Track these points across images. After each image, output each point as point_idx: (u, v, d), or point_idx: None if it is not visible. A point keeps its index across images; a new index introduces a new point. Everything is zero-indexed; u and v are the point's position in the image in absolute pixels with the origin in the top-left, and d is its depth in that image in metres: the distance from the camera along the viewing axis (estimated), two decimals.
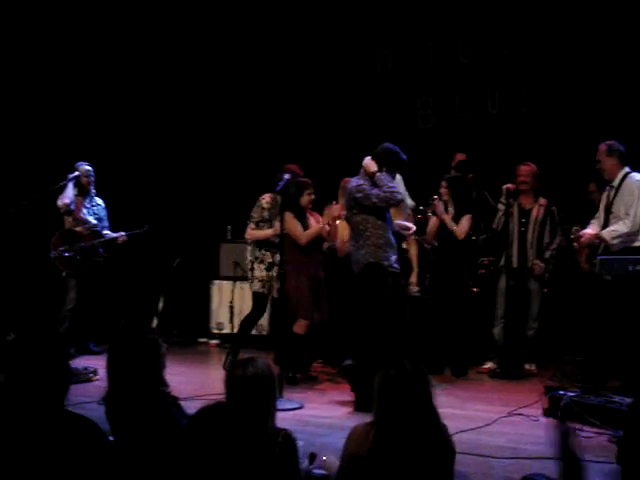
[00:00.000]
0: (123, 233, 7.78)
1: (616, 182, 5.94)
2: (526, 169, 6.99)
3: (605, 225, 5.93)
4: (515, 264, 6.99)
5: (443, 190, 7.16)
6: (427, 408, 2.94)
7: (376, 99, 9.07)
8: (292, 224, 6.48)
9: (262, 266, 6.81)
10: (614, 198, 5.94)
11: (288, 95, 9.25)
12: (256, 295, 6.85)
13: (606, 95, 7.72)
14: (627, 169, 5.95)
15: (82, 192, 7.71)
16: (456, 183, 7.21)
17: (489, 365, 7.09)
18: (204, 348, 8.55)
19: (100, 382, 6.37)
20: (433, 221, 7.19)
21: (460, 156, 7.83)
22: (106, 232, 7.81)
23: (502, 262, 7.04)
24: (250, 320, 6.93)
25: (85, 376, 6.32)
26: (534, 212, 7.00)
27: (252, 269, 6.84)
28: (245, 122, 9.39)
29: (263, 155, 8.84)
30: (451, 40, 8.75)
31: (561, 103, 8.10)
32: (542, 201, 7.04)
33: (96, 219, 7.75)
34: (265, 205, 6.73)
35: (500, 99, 8.58)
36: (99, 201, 7.89)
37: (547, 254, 6.97)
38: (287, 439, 2.84)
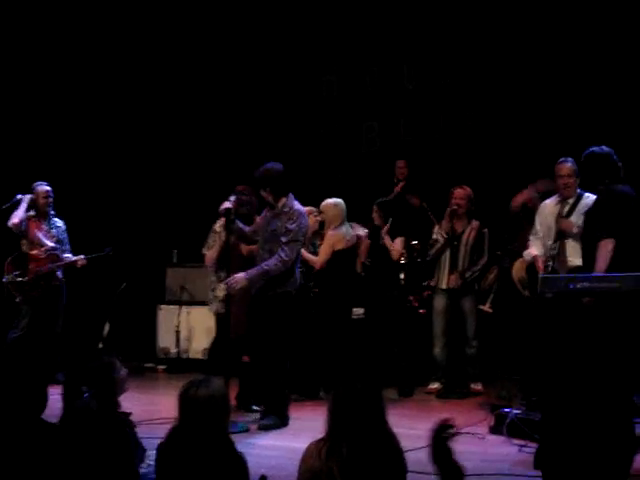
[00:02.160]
0: (82, 256, 7.54)
1: (571, 200, 6.01)
2: (461, 192, 7.11)
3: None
4: (444, 286, 7.10)
5: (375, 215, 7.34)
6: (378, 425, 2.97)
7: (322, 124, 9.16)
8: None
9: (223, 285, 6.61)
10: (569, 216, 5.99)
11: (234, 119, 9.27)
12: (218, 316, 6.60)
13: (548, 117, 7.92)
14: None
15: (39, 213, 7.48)
16: (387, 207, 7.39)
17: (435, 386, 7.17)
18: (151, 373, 8.46)
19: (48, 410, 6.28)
20: (365, 243, 7.29)
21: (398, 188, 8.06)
22: (66, 255, 7.56)
23: (436, 283, 7.17)
24: (216, 344, 6.65)
25: None
26: (465, 235, 7.13)
27: (213, 289, 6.61)
28: (192, 147, 9.38)
29: (209, 179, 8.84)
30: (396, 65, 8.89)
31: (503, 126, 8.28)
32: (474, 224, 7.16)
33: (55, 242, 7.51)
34: (217, 229, 6.65)
35: (445, 122, 8.74)
36: (59, 223, 7.65)
37: (467, 274, 7.09)
38: (239, 460, 2.85)
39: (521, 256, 6.38)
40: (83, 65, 9.26)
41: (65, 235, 7.69)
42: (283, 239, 5.80)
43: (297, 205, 5.98)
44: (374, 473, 2.84)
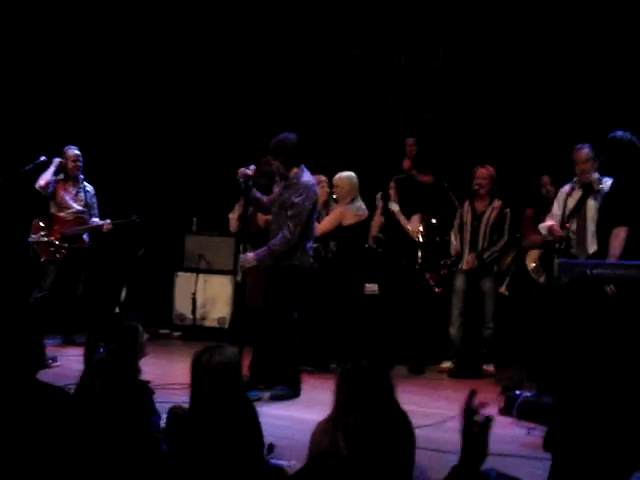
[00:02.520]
0: (109, 221, 7.62)
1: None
2: (483, 172, 7.07)
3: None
4: (465, 266, 7.09)
5: (391, 191, 7.29)
6: (386, 402, 2.99)
7: (346, 97, 9.12)
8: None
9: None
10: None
11: (259, 88, 9.25)
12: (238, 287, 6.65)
13: (569, 102, 7.86)
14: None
15: (68, 177, 7.56)
16: (405, 184, 7.35)
17: (447, 365, 7.18)
18: (166, 339, 8.52)
19: (60, 369, 6.36)
20: (375, 219, 7.27)
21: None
22: (93, 219, 7.66)
23: (461, 264, 7.15)
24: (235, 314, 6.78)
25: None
26: (486, 214, 7.10)
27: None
28: (215, 116, 9.38)
29: (232, 149, 8.83)
30: (424, 44, 8.83)
31: (526, 108, 8.21)
32: (496, 203, 7.12)
33: (83, 205, 7.59)
34: None
35: (470, 101, 8.68)
36: (88, 187, 7.73)
37: (486, 254, 7.06)
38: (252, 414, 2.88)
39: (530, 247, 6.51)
40: (115, 39, 9.29)
41: (94, 200, 7.77)
42: (288, 212, 5.77)
43: (306, 177, 5.91)
44: (381, 447, 2.86)
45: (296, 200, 5.76)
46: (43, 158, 7.47)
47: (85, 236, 7.65)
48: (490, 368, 7.09)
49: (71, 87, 9.09)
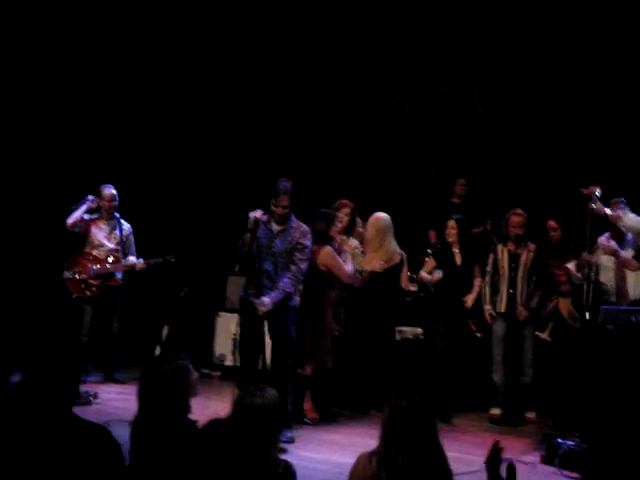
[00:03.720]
0: (142, 260, 7.66)
1: None
2: (520, 219, 7.04)
3: None
4: (503, 309, 7.04)
5: (451, 231, 7.21)
6: (432, 439, 2.98)
7: (390, 141, 9.19)
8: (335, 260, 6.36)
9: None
10: None
11: (302, 131, 9.36)
12: None
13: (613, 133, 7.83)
14: None
15: (103, 215, 7.66)
16: (465, 225, 7.27)
17: (496, 411, 7.02)
18: (206, 379, 8.54)
19: (100, 406, 6.42)
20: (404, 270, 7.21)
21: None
22: (130, 258, 7.69)
23: (495, 307, 7.09)
24: None
25: (85, 399, 6.34)
26: (523, 257, 7.06)
27: None
28: (257, 157, 9.49)
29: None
30: (467, 87, 8.88)
31: (571, 151, 8.19)
32: (531, 246, 7.11)
33: (116, 243, 7.62)
34: None
35: (513, 147, 8.69)
36: (125, 225, 7.78)
37: (533, 303, 7.01)
38: (288, 470, 2.88)
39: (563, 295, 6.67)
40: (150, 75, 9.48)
41: (131, 238, 7.81)
42: (298, 255, 5.87)
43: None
44: None
45: (307, 243, 5.93)
46: (91, 197, 7.58)
47: (119, 275, 7.67)
48: (532, 415, 6.98)
49: (111, 125, 9.25)
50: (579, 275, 6.54)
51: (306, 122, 9.38)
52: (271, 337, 5.97)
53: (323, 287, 6.39)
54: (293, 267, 5.84)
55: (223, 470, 2.78)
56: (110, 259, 7.61)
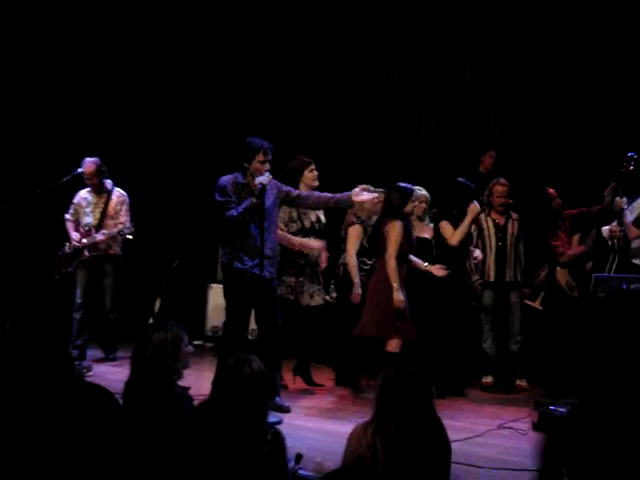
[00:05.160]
0: (102, 233, 7.34)
1: None
2: (504, 189, 7.08)
3: None
4: (492, 278, 7.06)
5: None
6: (426, 409, 2.99)
7: (381, 110, 9.13)
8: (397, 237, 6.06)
9: (291, 270, 6.53)
10: None
11: (291, 102, 9.30)
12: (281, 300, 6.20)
13: (610, 111, 7.78)
14: None
15: (94, 189, 7.49)
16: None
17: (488, 379, 7.08)
18: (199, 351, 8.56)
19: (93, 378, 6.43)
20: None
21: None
22: (98, 234, 7.33)
23: (488, 277, 7.10)
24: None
25: (78, 371, 6.35)
26: (510, 227, 7.12)
27: (281, 272, 6.38)
28: (245, 127, 9.42)
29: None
30: (457, 56, 8.81)
31: (564, 122, 8.16)
32: (515, 215, 7.17)
33: (100, 218, 7.40)
34: None
35: (504, 116, 8.64)
36: (116, 194, 7.53)
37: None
38: (276, 437, 2.89)
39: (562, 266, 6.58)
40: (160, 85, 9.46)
41: (122, 207, 7.53)
42: (287, 187, 6.05)
43: None
44: (418, 455, 2.86)
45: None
46: (80, 170, 7.47)
47: (86, 250, 7.37)
48: (523, 383, 7.01)
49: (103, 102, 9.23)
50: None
51: (295, 92, 9.30)
52: (260, 306, 5.86)
53: (400, 261, 6.09)
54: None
55: (211, 439, 2.79)
56: (86, 235, 7.43)
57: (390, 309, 5.88)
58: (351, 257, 6.59)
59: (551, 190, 7.11)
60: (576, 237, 7.04)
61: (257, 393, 2.87)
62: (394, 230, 5.99)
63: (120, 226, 7.34)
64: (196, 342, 8.76)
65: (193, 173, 9.38)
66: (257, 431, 2.81)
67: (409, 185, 6.24)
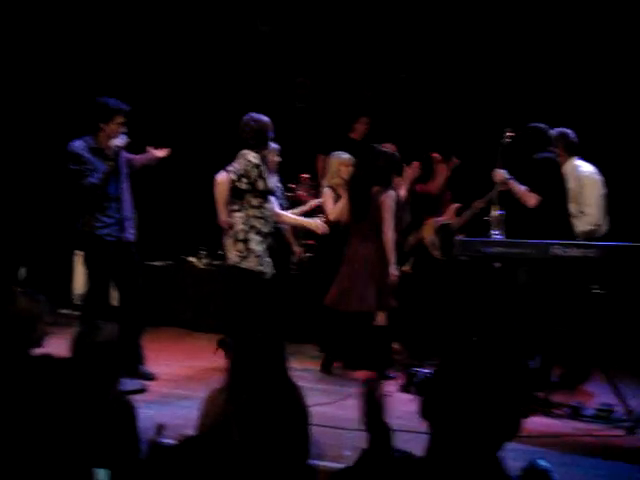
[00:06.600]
0: None
1: None
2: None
3: None
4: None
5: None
6: (278, 375, 2.99)
7: (254, 76, 9.04)
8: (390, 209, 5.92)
9: (258, 237, 5.88)
10: None
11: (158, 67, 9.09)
12: (250, 274, 5.82)
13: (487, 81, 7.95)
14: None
15: None
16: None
17: None
18: (67, 320, 8.32)
19: None
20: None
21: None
22: None
23: None
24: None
25: None
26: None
27: (246, 240, 5.84)
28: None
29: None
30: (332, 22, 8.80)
31: (439, 89, 8.29)
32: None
33: None
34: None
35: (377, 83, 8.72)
36: None
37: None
38: (125, 405, 2.87)
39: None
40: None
41: None
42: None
43: None
44: (272, 420, 2.86)
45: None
46: None
47: None
48: (396, 346, 7.12)
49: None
50: None
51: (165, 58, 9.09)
52: (120, 271, 5.78)
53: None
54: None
55: (61, 403, 2.73)
56: None
57: (384, 283, 5.82)
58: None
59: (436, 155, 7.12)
60: (454, 207, 7.03)
61: (106, 361, 2.82)
62: (390, 200, 5.88)
63: None
64: (63, 311, 8.53)
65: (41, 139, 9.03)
66: (108, 400, 2.77)
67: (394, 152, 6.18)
